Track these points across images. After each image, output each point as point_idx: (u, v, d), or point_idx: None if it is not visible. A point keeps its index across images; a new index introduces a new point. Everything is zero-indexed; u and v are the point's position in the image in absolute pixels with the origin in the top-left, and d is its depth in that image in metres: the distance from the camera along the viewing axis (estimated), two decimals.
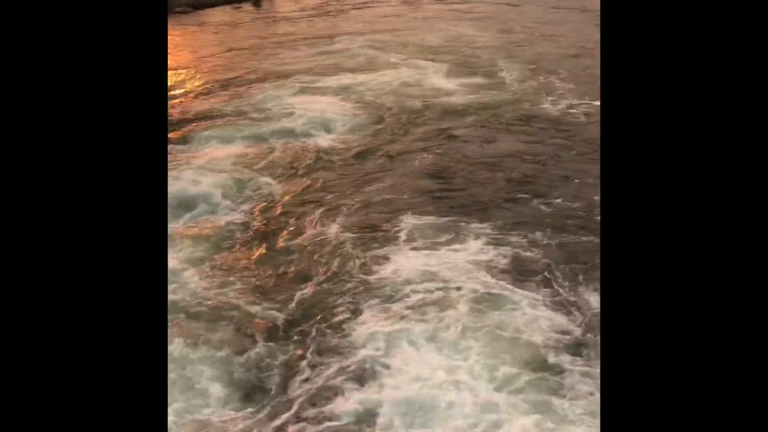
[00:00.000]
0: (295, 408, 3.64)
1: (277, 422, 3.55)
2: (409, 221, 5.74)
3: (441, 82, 11.00)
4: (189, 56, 14.62)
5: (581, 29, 15.46)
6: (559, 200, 5.95)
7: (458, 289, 4.59)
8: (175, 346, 3.99)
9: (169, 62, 14.04)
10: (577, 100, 9.33)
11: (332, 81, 11.20)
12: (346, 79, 11.30)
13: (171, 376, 3.72)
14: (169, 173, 6.92)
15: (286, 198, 6.48)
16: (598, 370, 3.74)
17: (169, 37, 17.72)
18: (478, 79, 11.01)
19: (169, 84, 11.81)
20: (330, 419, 3.55)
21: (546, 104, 9.23)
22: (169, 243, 5.39)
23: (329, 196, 6.48)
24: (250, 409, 3.64)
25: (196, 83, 11.85)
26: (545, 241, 5.27)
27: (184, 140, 8.30)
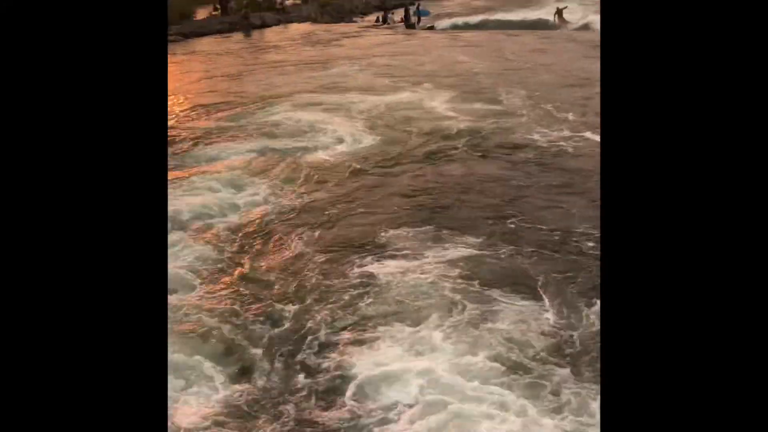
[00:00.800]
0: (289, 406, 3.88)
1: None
2: (394, 233, 6.09)
3: (436, 105, 11.41)
4: (180, 82, 14.96)
5: (573, 58, 15.94)
6: (541, 226, 6.19)
7: (437, 290, 4.98)
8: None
9: (177, 85, 14.40)
10: (568, 131, 9.59)
11: (329, 101, 11.74)
12: (342, 100, 11.83)
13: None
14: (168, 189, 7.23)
15: (279, 210, 6.87)
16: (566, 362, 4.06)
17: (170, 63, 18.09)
18: (471, 105, 11.36)
19: (173, 107, 12.22)
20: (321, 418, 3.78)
21: (536, 134, 9.46)
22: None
23: (319, 209, 6.87)
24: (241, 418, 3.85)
25: (188, 107, 12.19)
26: (524, 252, 5.60)
27: (177, 158, 8.81)
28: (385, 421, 3.69)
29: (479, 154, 8.70)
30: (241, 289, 5.23)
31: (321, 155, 8.78)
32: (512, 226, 6.22)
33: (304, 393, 3.98)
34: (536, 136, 9.34)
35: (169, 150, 9.18)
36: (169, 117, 11.38)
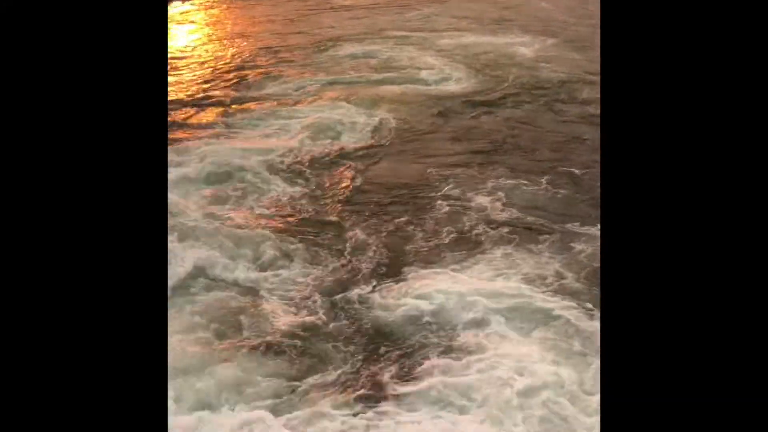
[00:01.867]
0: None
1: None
2: (453, 172, 6.48)
3: (521, 51, 11.40)
4: (241, 26, 15.02)
5: None
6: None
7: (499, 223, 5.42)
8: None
9: (240, 29, 14.50)
10: None
11: (407, 41, 11.97)
12: (422, 41, 12.04)
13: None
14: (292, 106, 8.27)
15: (352, 146, 7.31)
16: None
17: (234, 9, 18.21)
18: (557, 53, 11.26)
19: (245, 48, 12.39)
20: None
21: None
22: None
23: (389, 146, 7.34)
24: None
25: (255, 47, 12.31)
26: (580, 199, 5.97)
27: (278, 87, 9.40)
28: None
29: (548, 105, 8.70)
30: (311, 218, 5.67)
31: (396, 90, 9.05)
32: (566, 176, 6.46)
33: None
34: None
35: (241, 87, 9.53)
36: (243, 56, 11.53)
